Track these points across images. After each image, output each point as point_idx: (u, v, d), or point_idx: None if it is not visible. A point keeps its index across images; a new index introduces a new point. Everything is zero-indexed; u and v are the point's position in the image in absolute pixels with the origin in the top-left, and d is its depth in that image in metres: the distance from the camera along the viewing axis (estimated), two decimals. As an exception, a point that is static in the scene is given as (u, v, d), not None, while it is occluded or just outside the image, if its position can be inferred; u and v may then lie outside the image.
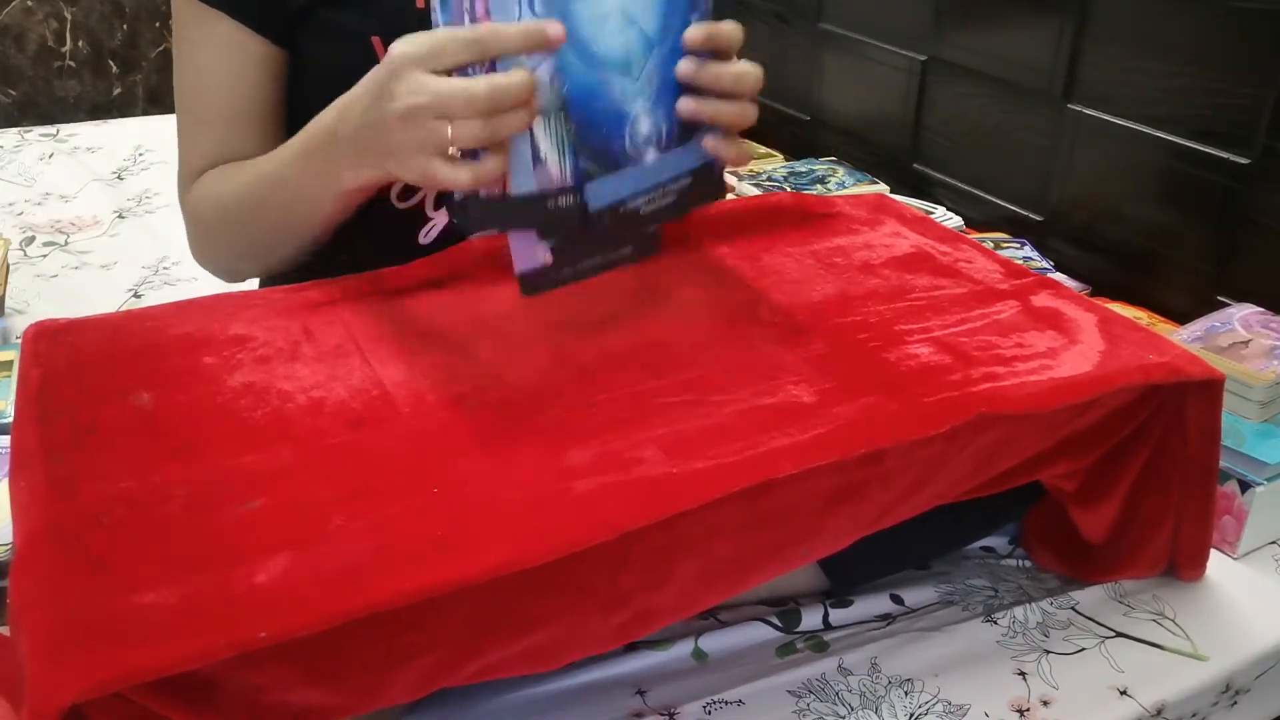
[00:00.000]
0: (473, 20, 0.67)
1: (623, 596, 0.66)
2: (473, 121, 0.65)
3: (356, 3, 0.88)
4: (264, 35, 0.89)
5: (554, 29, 0.65)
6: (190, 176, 0.93)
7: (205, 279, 1.22)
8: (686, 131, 0.76)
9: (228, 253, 0.95)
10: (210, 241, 0.94)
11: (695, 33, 0.72)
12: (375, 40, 0.87)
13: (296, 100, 0.93)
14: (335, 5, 0.88)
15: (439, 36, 0.67)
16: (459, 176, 0.67)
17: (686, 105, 0.73)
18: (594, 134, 0.71)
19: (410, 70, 0.67)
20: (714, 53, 0.74)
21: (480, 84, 0.64)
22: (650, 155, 0.74)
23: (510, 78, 0.65)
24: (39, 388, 0.71)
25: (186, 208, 0.94)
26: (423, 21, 0.88)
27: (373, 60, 0.87)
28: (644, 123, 0.73)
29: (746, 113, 0.75)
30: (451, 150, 0.67)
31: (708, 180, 0.78)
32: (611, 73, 0.71)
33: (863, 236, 1.00)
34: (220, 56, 0.89)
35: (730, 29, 0.74)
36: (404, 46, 0.68)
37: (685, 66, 0.72)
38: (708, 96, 0.74)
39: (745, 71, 0.74)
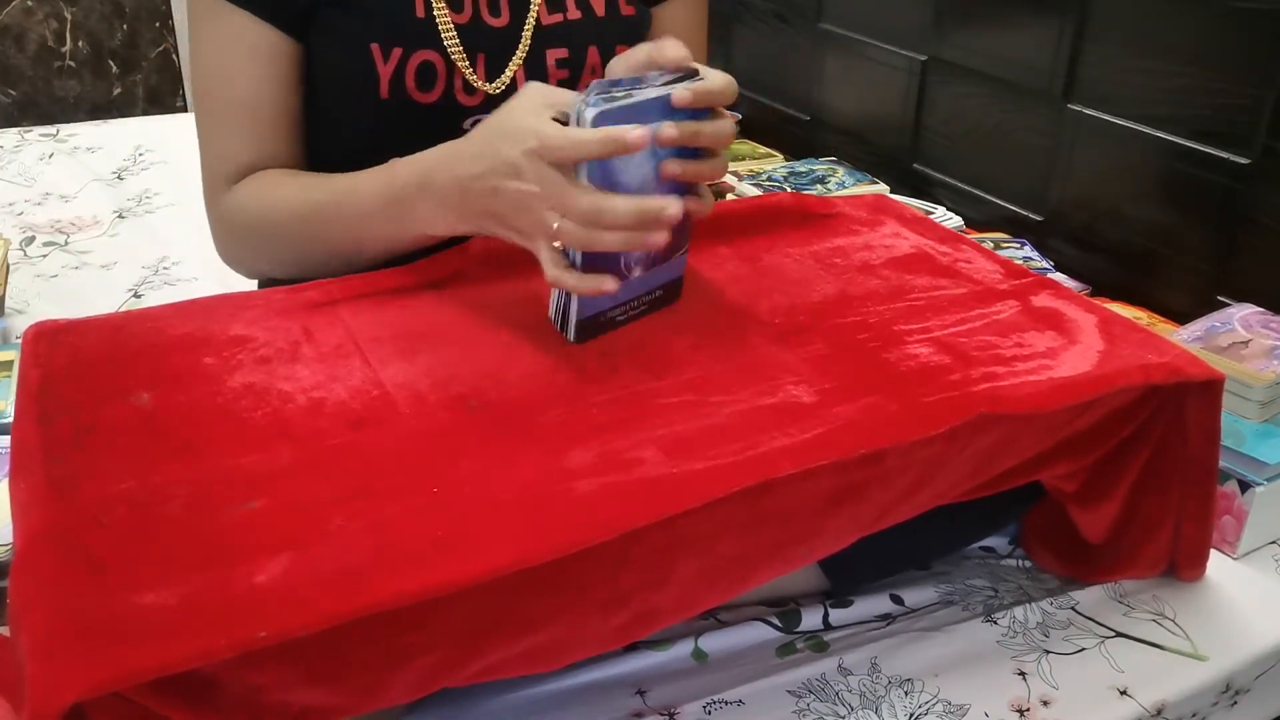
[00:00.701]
0: None
1: (623, 597, 0.66)
2: (575, 226, 0.72)
3: (359, 7, 0.88)
4: (279, 28, 0.89)
5: (633, 135, 0.70)
6: (222, 179, 0.92)
7: (205, 279, 1.22)
8: (668, 250, 0.80)
9: (263, 261, 0.95)
10: (244, 248, 0.95)
11: (682, 95, 0.74)
12: (374, 48, 0.87)
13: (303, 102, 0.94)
14: (339, 7, 0.88)
15: (567, 136, 0.71)
16: (560, 275, 0.74)
17: (671, 167, 0.76)
18: (597, 256, 0.75)
19: (536, 159, 0.72)
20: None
21: (586, 199, 0.71)
22: (637, 272, 0.79)
23: (612, 202, 0.71)
24: (39, 388, 0.71)
25: (220, 210, 0.93)
26: (421, 28, 0.89)
27: (370, 66, 0.87)
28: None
29: (719, 168, 0.79)
30: (556, 243, 0.74)
31: (673, 290, 0.85)
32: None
33: (862, 237, 1.00)
34: (240, 51, 0.89)
35: (719, 87, 0.76)
36: (533, 141, 0.72)
37: (669, 130, 0.74)
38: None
39: (722, 129, 0.77)
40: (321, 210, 0.87)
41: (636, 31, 1.01)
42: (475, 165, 0.76)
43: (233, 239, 0.95)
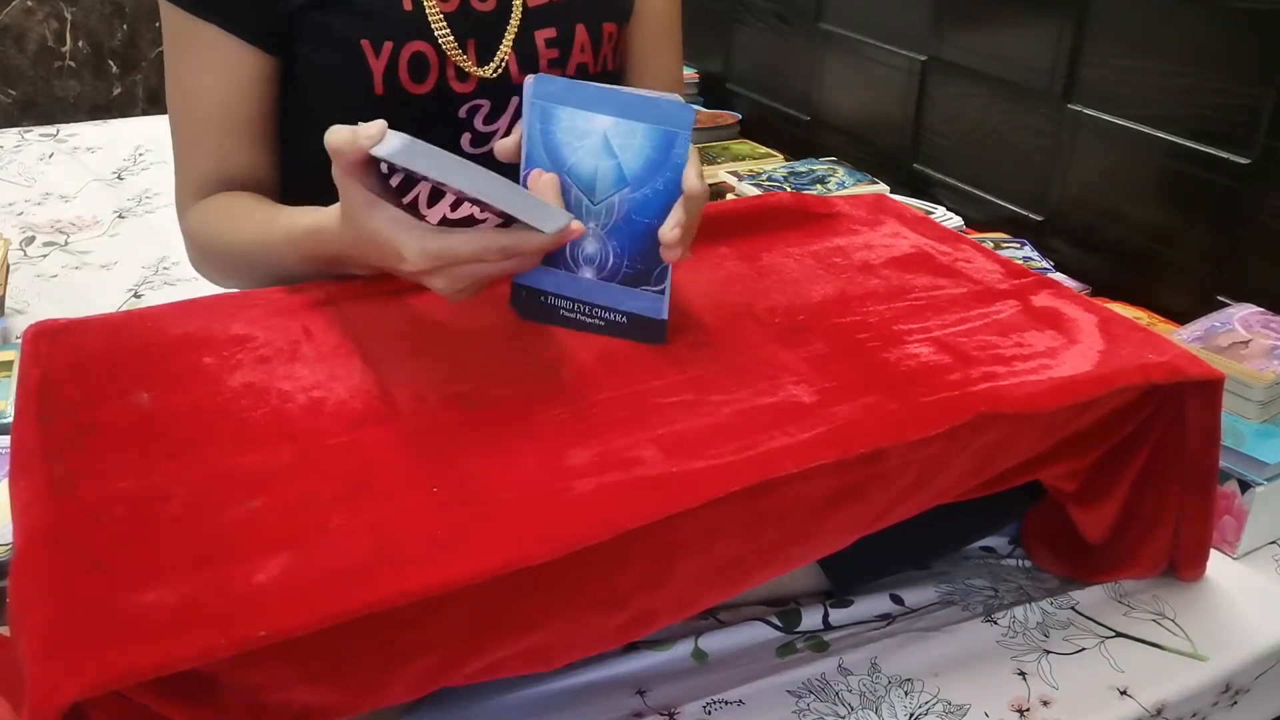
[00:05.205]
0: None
1: (623, 597, 0.66)
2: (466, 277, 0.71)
3: (346, 7, 0.88)
4: (256, 44, 0.89)
5: (574, 229, 0.70)
6: (189, 194, 0.94)
7: (205, 279, 1.22)
8: (637, 276, 0.79)
9: (221, 278, 0.97)
10: (203, 266, 0.97)
11: (671, 233, 0.74)
12: (364, 44, 0.88)
13: (289, 104, 0.94)
14: (325, 9, 0.88)
15: (443, 251, 0.69)
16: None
17: (670, 256, 0.75)
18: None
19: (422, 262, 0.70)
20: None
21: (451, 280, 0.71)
22: (587, 273, 0.79)
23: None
24: (39, 388, 0.71)
25: (185, 226, 0.95)
26: (409, 20, 0.89)
27: (362, 64, 0.88)
28: (590, 243, 0.78)
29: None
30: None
31: (648, 328, 0.81)
32: (573, 185, 0.77)
33: (862, 236, 1.00)
34: (214, 68, 0.89)
35: (696, 198, 0.75)
36: (405, 262, 0.70)
37: (670, 236, 0.74)
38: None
39: (703, 206, 0.77)
40: (253, 249, 0.88)
41: (622, 10, 1.01)
42: (375, 260, 0.74)
43: (194, 255, 0.96)
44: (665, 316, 0.80)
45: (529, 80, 0.77)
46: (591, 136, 0.76)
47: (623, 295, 0.80)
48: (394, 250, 0.70)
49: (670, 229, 0.74)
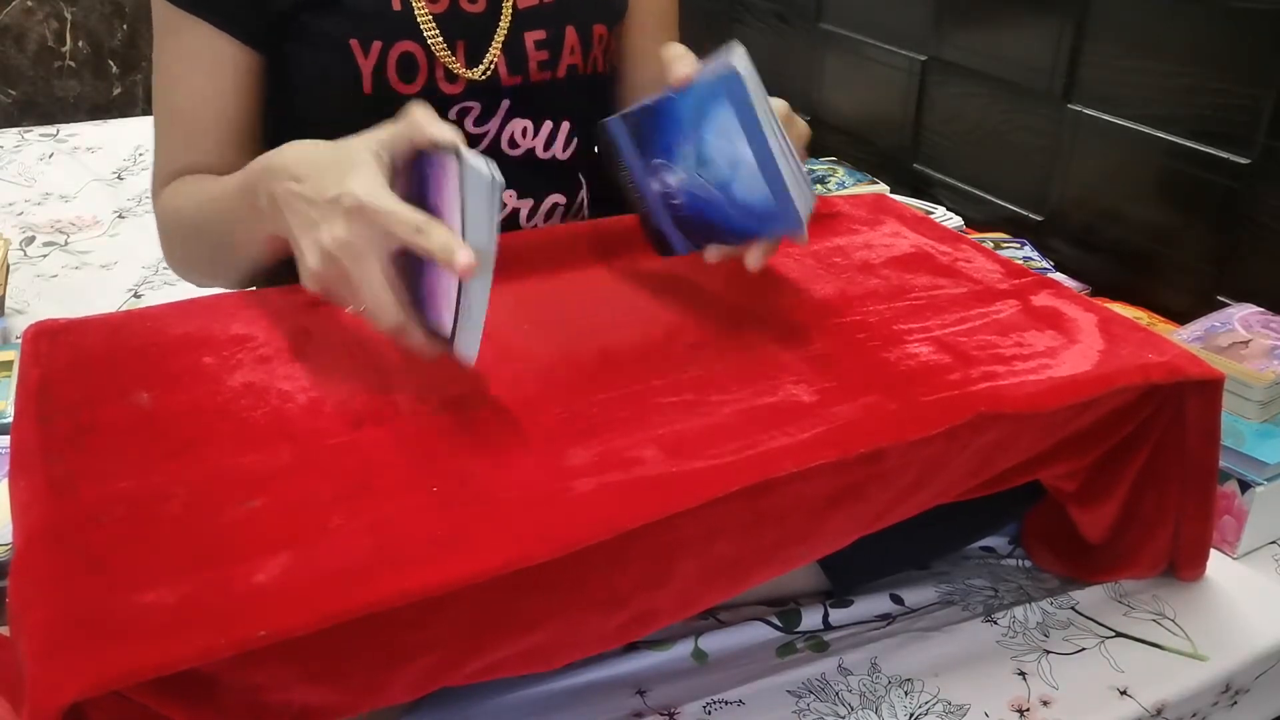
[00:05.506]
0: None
1: (623, 597, 0.66)
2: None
3: (336, 7, 0.88)
4: (245, 42, 0.89)
5: (462, 259, 0.63)
6: (162, 182, 0.94)
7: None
8: (681, 228, 0.84)
9: (185, 263, 0.96)
10: (172, 250, 0.96)
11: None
12: (353, 43, 0.88)
13: (278, 105, 0.94)
14: (315, 9, 0.88)
15: (384, 212, 0.66)
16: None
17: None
18: (650, 123, 0.81)
19: (354, 216, 0.67)
20: None
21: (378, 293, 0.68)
22: (654, 186, 0.83)
23: (379, 305, 0.68)
24: (39, 387, 0.71)
25: (155, 213, 0.95)
26: (398, 20, 0.89)
27: (351, 63, 0.88)
28: (674, 176, 0.81)
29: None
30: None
31: (657, 236, 0.86)
32: (694, 142, 0.78)
33: (863, 236, 1.00)
34: (200, 63, 0.90)
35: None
36: (350, 200, 0.67)
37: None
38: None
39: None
40: (207, 205, 0.86)
41: (614, 12, 1.01)
42: (301, 186, 0.71)
43: (162, 241, 0.96)
44: (678, 249, 0.86)
45: (739, 54, 0.76)
46: (728, 148, 0.76)
47: (664, 220, 0.84)
48: (342, 162, 0.67)
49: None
